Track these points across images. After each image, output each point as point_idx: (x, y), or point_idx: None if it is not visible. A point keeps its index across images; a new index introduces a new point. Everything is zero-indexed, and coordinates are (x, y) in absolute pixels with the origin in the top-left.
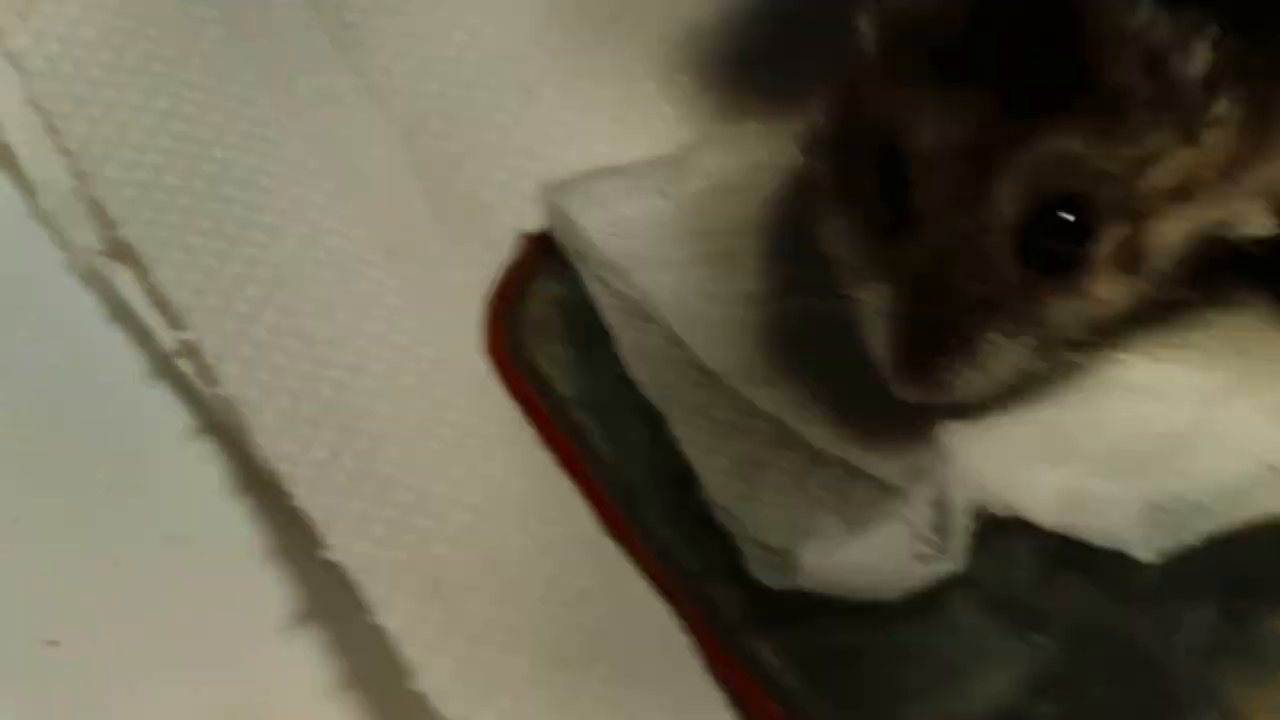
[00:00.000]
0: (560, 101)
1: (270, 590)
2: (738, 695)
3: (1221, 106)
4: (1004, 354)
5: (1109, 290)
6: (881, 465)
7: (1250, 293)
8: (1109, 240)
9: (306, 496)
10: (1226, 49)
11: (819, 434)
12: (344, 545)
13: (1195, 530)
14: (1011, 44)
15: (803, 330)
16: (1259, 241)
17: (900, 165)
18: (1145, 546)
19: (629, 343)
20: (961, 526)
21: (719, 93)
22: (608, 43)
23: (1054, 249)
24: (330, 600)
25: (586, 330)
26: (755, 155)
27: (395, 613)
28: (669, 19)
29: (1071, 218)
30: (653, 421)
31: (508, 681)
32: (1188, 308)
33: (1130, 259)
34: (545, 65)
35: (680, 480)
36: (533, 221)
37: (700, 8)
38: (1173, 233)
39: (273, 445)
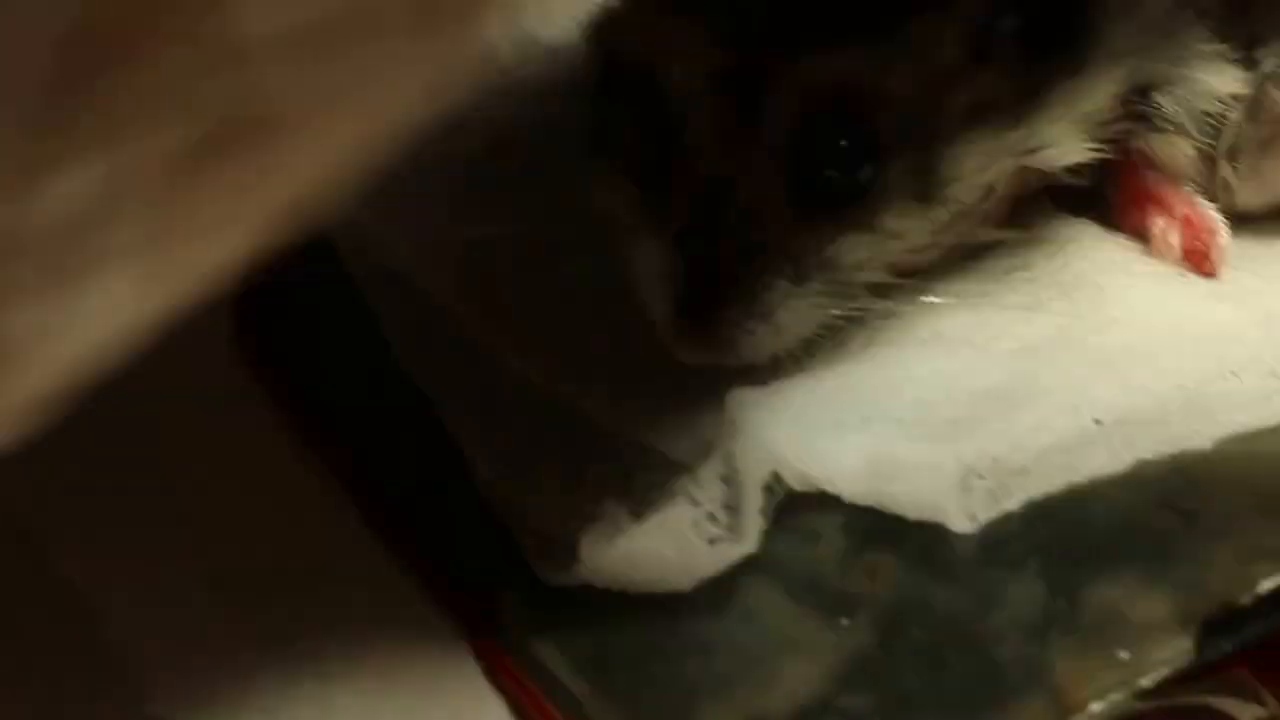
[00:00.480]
0: None
1: None
2: (519, 703)
3: (1009, 20)
4: (793, 303)
5: (901, 222)
6: (666, 441)
7: (1074, 230)
8: (898, 167)
9: None
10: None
11: (599, 410)
12: None
13: (1017, 496)
14: None
15: (574, 297)
16: (1075, 172)
17: (662, 104)
18: (962, 516)
19: (394, 321)
20: (755, 505)
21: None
22: None
23: (836, 180)
24: None
25: (349, 310)
26: (530, 110)
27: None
28: None
29: (849, 144)
30: (419, 406)
31: (266, 688)
32: (1003, 249)
33: (924, 188)
34: None
35: (451, 468)
36: None
37: None
38: (969, 158)
39: None
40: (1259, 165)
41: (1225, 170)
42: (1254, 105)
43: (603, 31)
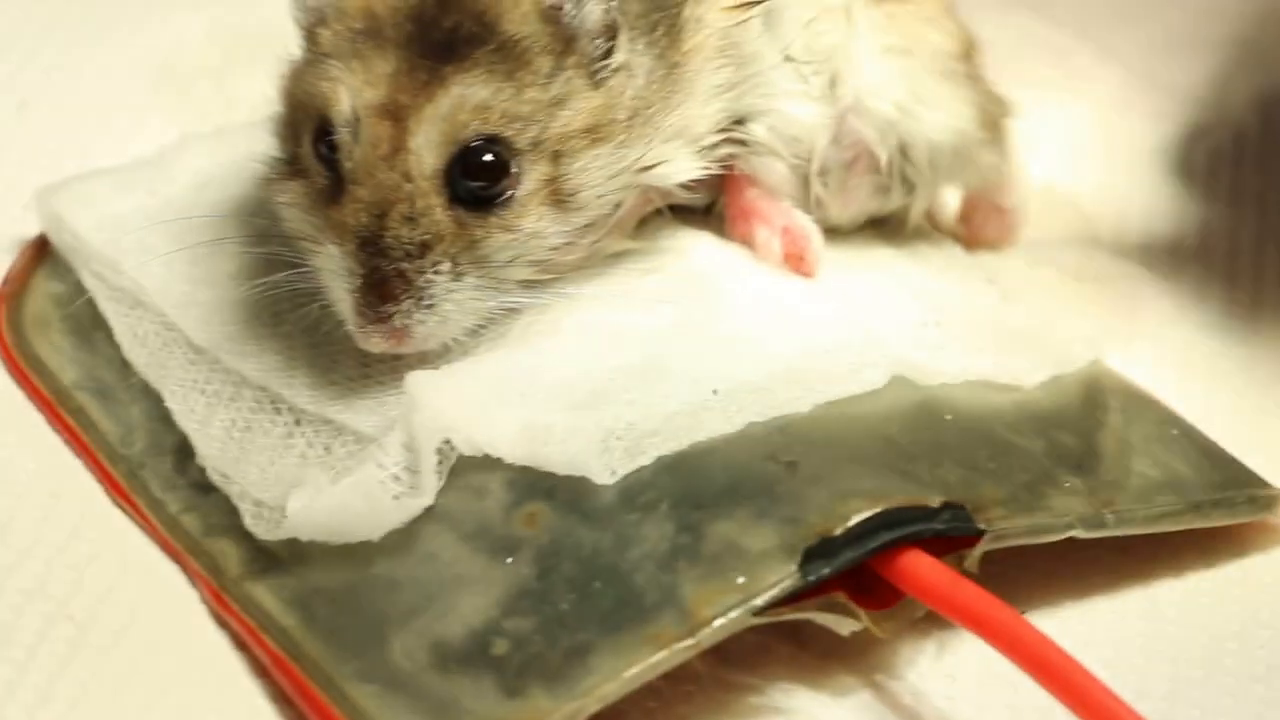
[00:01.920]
0: (54, 115)
1: None
2: (241, 639)
3: (621, 54)
4: (452, 294)
5: (537, 223)
6: (358, 419)
7: (693, 239)
8: (531, 178)
9: None
10: (624, 4)
11: (302, 396)
12: None
13: (649, 454)
14: (418, 10)
15: (279, 303)
16: (690, 189)
17: (331, 134)
18: (604, 471)
19: (124, 329)
20: (431, 466)
21: (204, 101)
22: (98, 57)
23: (478, 189)
24: None
25: (84, 321)
26: (236, 150)
27: None
28: (158, 32)
29: (490, 159)
30: (150, 399)
31: (18, 636)
32: (635, 255)
33: (555, 195)
34: (39, 81)
35: (178, 450)
36: (33, 227)
37: (190, 23)
38: (592, 170)
39: None
40: (845, 183)
41: (817, 187)
42: (837, 133)
43: (287, 82)
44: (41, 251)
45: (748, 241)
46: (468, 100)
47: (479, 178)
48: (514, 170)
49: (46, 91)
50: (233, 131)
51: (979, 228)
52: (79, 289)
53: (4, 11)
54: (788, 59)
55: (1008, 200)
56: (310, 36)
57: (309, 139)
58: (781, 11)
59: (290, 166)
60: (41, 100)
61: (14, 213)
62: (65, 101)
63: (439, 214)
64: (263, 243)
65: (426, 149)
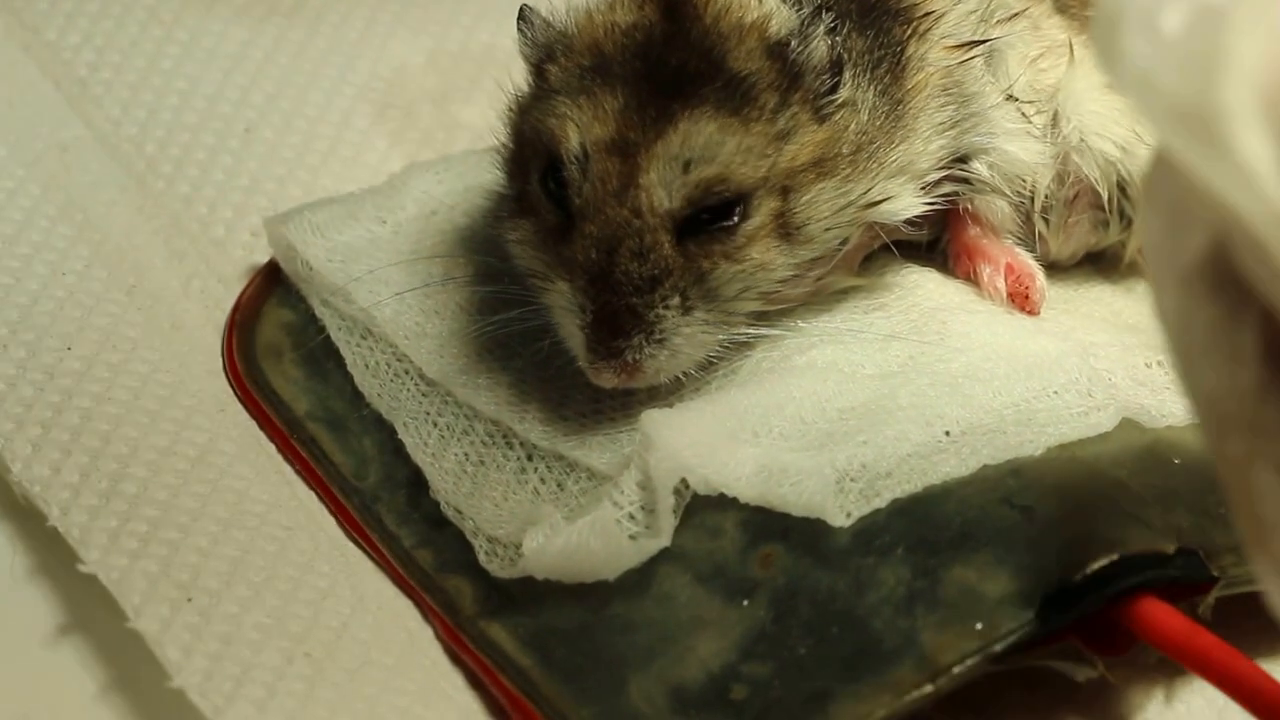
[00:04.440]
0: (279, 140)
1: (34, 606)
2: (477, 677)
3: (846, 90)
4: (682, 328)
5: (766, 255)
6: (591, 456)
7: (919, 276)
8: (759, 212)
9: (61, 517)
10: (848, 41)
11: (535, 432)
12: (100, 559)
13: (884, 496)
14: (645, 47)
15: (510, 337)
16: (914, 225)
17: (560, 170)
18: (839, 513)
19: (355, 359)
20: (668, 506)
21: (428, 128)
22: (321, 82)
23: (707, 223)
24: (91, 611)
25: (316, 350)
26: (463, 178)
27: (151, 618)
28: (379, 58)
29: (719, 194)
30: (382, 430)
31: (258, 675)
32: (861, 291)
33: (783, 229)
34: (264, 107)
35: (412, 483)
36: (262, 254)
37: (410, 50)
38: (819, 204)
39: (26, 472)
40: (1066, 219)
41: (1038, 224)
42: (1059, 170)
43: (513, 117)
44: (272, 279)
45: (971, 279)
46: (697, 137)
47: (708, 212)
48: (742, 205)
49: (270, 117)
50: (458, 159)
51: None
52: (310, 318)
53: (228, 37)
54: (1010, 97)
55: None
56: (538, 72)
57: (537, 175)
58: (1004, 50)
59: (519, 203)
60: (266, 126)
61: (243, 238)
62: (290, 126)
63: (668, 249)
64: (493, 279)
65: (656, 185)
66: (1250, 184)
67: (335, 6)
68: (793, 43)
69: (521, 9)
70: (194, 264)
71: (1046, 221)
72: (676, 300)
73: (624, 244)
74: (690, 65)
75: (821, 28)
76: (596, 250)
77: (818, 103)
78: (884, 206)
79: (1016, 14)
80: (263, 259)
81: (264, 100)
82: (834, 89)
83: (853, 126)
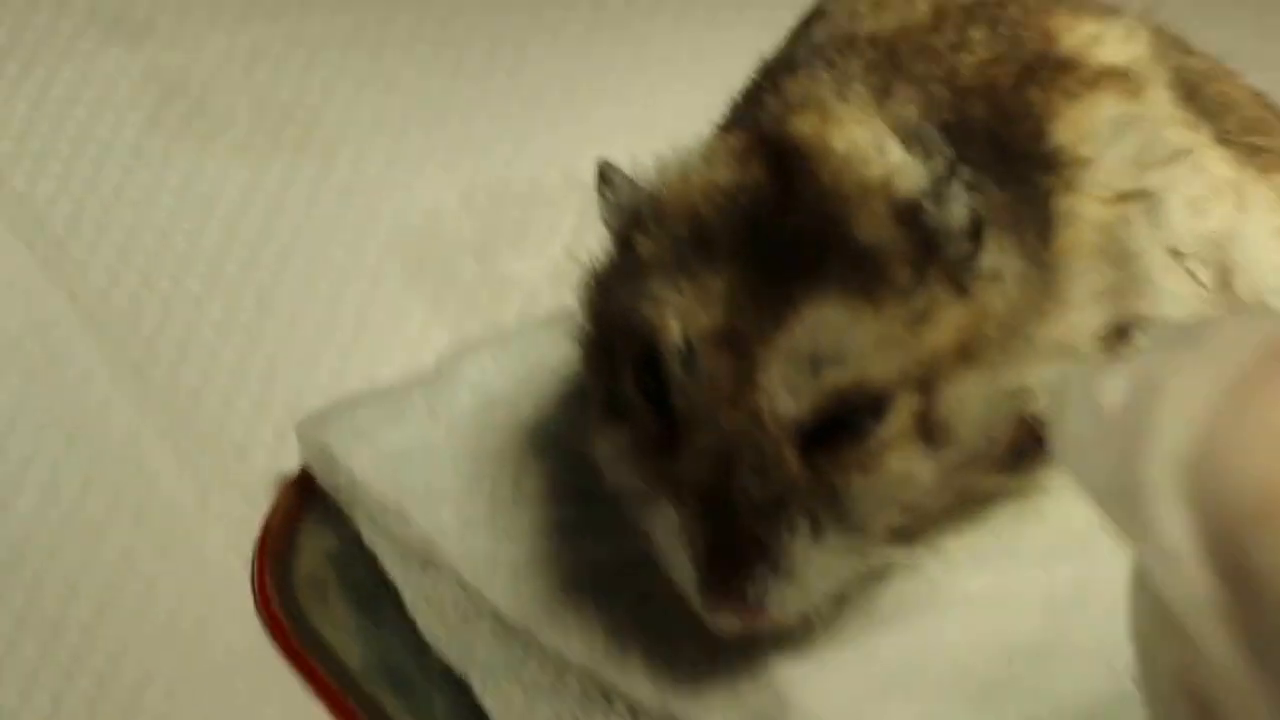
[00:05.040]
0: (299, 309)
1: None
2: None
3: (990, 257)
4: (815, 558)
5: (906, 463)
6: (712, 716)
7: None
8: (899, 412)
9: None
10: (987, 197)
11: (640, 687)
12: None
13: None
14: (753, 214)
15: (603, 567)
16: None
17: (658, 367)
18: None
19: (416, 595)
20: None
21: (471, 288)
22: (342, 233)
23: (842, 430)
24: None
25: (368, 585)
26: (524, 359)
27: None
28: (405, 201)
29: (853, 396)
30: (454, 687)
31: None
32: (1011, 497)
33: (927, 429)
34: (276, 267)
35: None
36: (289, 458)
37: (442, 187)
38: (967, 399)
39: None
40: None
41: None
42: None
43: (593, 295)
44: (306, 495)
45: None
46: (825, 326)
47: (840, 418)
48: (879, 406)
49: (286, 280)
50: (515, 334)
51: None
52: (358, 543)
53: (228, 179)
54: (1174, 253)
55: None
56: (623, 243)
57: (630, 372)
58: (1165, 196)
59: (607, 404)
60: (282, 292)
61: (266, 439)
62: (311, 292)
63: (793, 464)
64: (578, 496)
65: (779, 388)
66: (1170, 565)
67: (348, 137)
68: (925, 204)
69: (601, 167)
70: (210, 475)
71: None
72: (805, 524)
73: (742, 459)
74: (809, 236)
75: (959, 184)
76: (709, 466)
77: (957, 274)
78: (1039, 394)
79: (1178, 152)
80: (291, 465)
81: (276, 259)
82: (975, 256)
83: (998, 300)
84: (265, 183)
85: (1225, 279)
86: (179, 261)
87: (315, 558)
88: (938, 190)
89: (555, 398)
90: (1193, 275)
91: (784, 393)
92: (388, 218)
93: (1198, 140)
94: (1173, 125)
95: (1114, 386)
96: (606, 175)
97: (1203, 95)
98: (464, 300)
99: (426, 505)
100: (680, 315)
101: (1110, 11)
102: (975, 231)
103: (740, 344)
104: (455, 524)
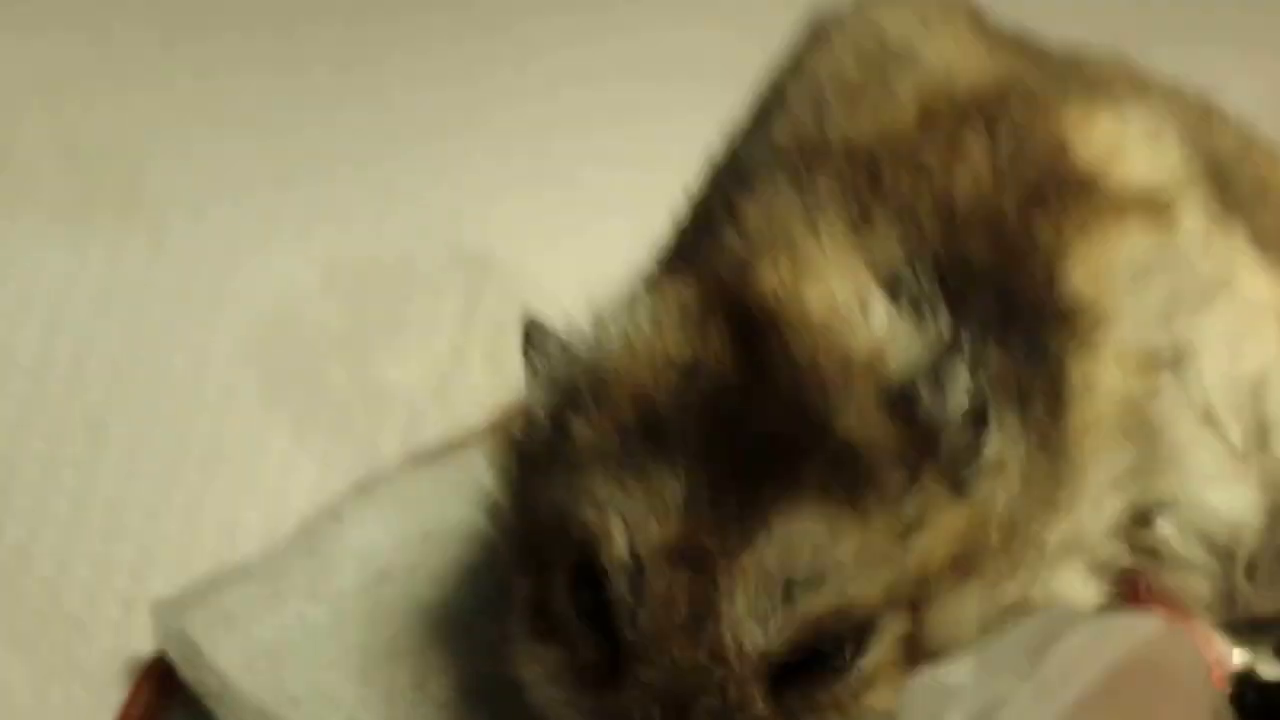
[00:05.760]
0: (140, 439)
1: None
2: None
3: (994, 445)
4: None
5: (890, 700)
6: None
7: None
8: (884, 638)
9: None
10: (989, 365)
11: None
12: None
13: None
14: (714, 399)
15: None
16: None
17: (599, 583)
18: None
19: None
20: None
21: (341, 402)
22: (183, 325)
23: (814, 664)
24: None
25: None
26: (417, 519)
27: None
28: (257, 278)
29: (831, 628)
30: None
31: None
32: None
33: (912, 656)
34: (110, 380)
35: None
36: (140, 636)
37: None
38: (963, 616)
39: None
40: (1277, 572)
41: (1241, 585)
42: (1271, 508)
43: (519, 482)
44: (163, 688)
45: None
46: (800, 544)
47: (816, 652)
48: (861, 633)
49: (122, 396)
50: (405, 480)
51: None
52: None
53: (44, 256)
54: (1206, 418)
55: None
56: (556, 423)
57: (564, 584)
58: (1197, 345)
59: (534, 617)
60: (119, 413)
61: (111, 613)
62: (153, 412)
63: (760, 706)
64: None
65: (745, 618)
66: None
67: (182, 195)
68: (921, 390)
69: (527, 327)
70: (47, 658)
71: (1252, 580)
72: None
73: (698, 699)
74: (781, 429)
75: (961, 372)
76: (658, 706)
77: (956, 470)
78: (1045, 600)
79: (1212, 286)
80: (142, 645)
81: (108, 366)
82: (978, 447)
83: (1003, 497)
84: (90, 257)
85: (1263, 437)
86: None
87: None
88: (935, 372)
89: (458, 571)
90: (1225, 438)
91: (751, 622)
92: (236, 303)
93: (1233, 256)
94: (1207, 248)
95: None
96: (534, 338)
97: (1237, 184)
98: (335, 419)
99: (312, 711)
100: (627, 523)
101: (1133, 91)
102: (979, 418)
103: (699, 562)
104: None
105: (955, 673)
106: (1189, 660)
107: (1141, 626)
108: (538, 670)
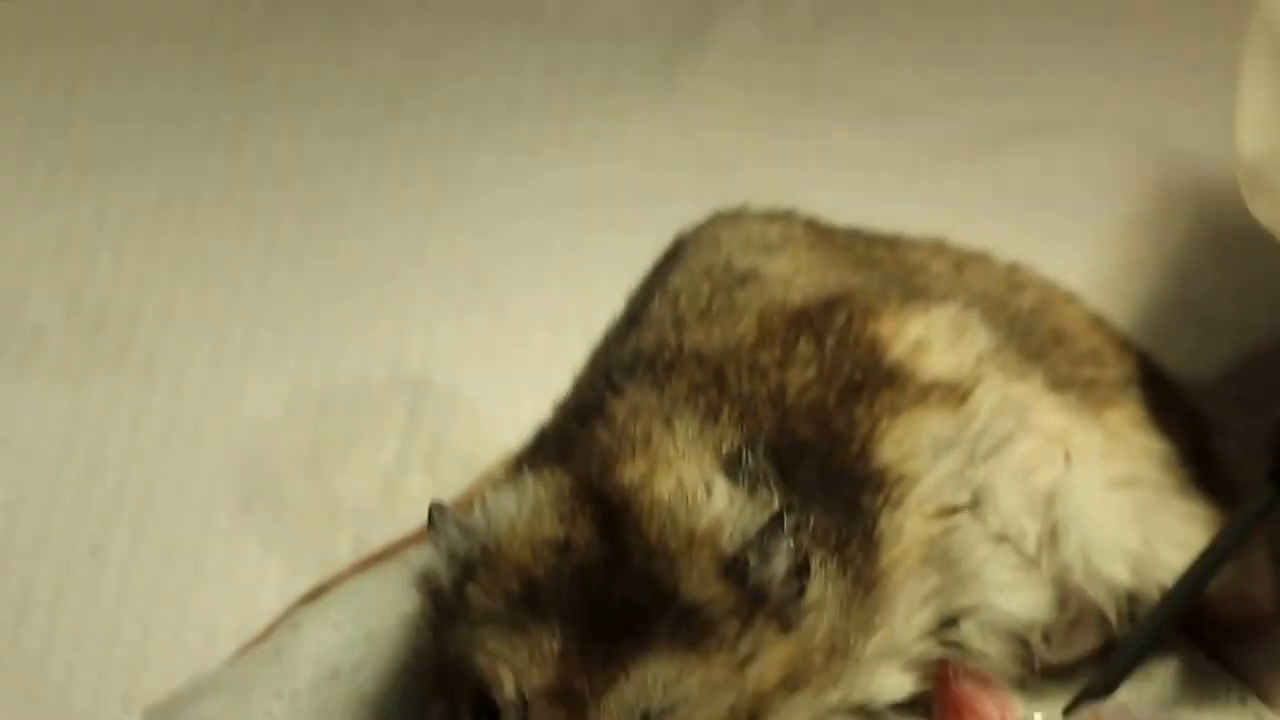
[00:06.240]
0: (134, 559)
1: None
2: None
3: (815, 590)
4: None
5: None
6: None
7: None
8: None
9: None
10: (810, 526)
11: None
12: None
13: None
14: (582, 574)
15: None
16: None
17: (493, 716)
18: None
19: None
20: None
21: (303, 513)
22: (171, 458)
23: None
24: None
25: None
26: (361, 622)
27: None
28: (233, 413)
29: None
30: None
31: None
32: None
33: None
34: (107, 510)
35: None
36: None
37: (265, 392)
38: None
39: None
40: (1068, 638)
41: (1040, 650)
42: (1060, 595)
43: (433, 631)
44: None
45: None
46: (653, 684)
47: None
48: None
49: (117, 525)
50: (353, 591)
51: (1225, 615)
52: None
53: (49, 409)
54: (1000, 540)
55: (1257, 588)
56: (457, 590)
57: (469, 712)
58: (993, 483)
59: None
60: (115, 539)
61: (112, 711)
62: (144, 535)
63: None
64: None
65: None
66: None
67: (169, 344)
68: (752, 560)
69: (431, 510)
70: None
71: (1047, 646)
72: None
73: None
74: (637, 596)
75: (783, 540)
76: None
77: (782, 613)
78: (865, 699)
79: (1006, 436)
80: None
81: (106, 498)
82: (801, 594)
83: (824, 627)
84: (88, 408)
85: (1053, 540)
86: (5, 510)
87: None
88: (763, 546)
89: (397, 668)
90: (1018, 551)
91: None
92: (215, 435)
93: (1030, 394)
94: (1002, 412)
95: None
96: (436, 521)
97: (1035, 336)
98: (297, 529)
99: None
100: (514, 672)
101: (944, 297)
102: (802, 571)
103: (573, 701)
104: None
105: None
106: None
107: None
108: None
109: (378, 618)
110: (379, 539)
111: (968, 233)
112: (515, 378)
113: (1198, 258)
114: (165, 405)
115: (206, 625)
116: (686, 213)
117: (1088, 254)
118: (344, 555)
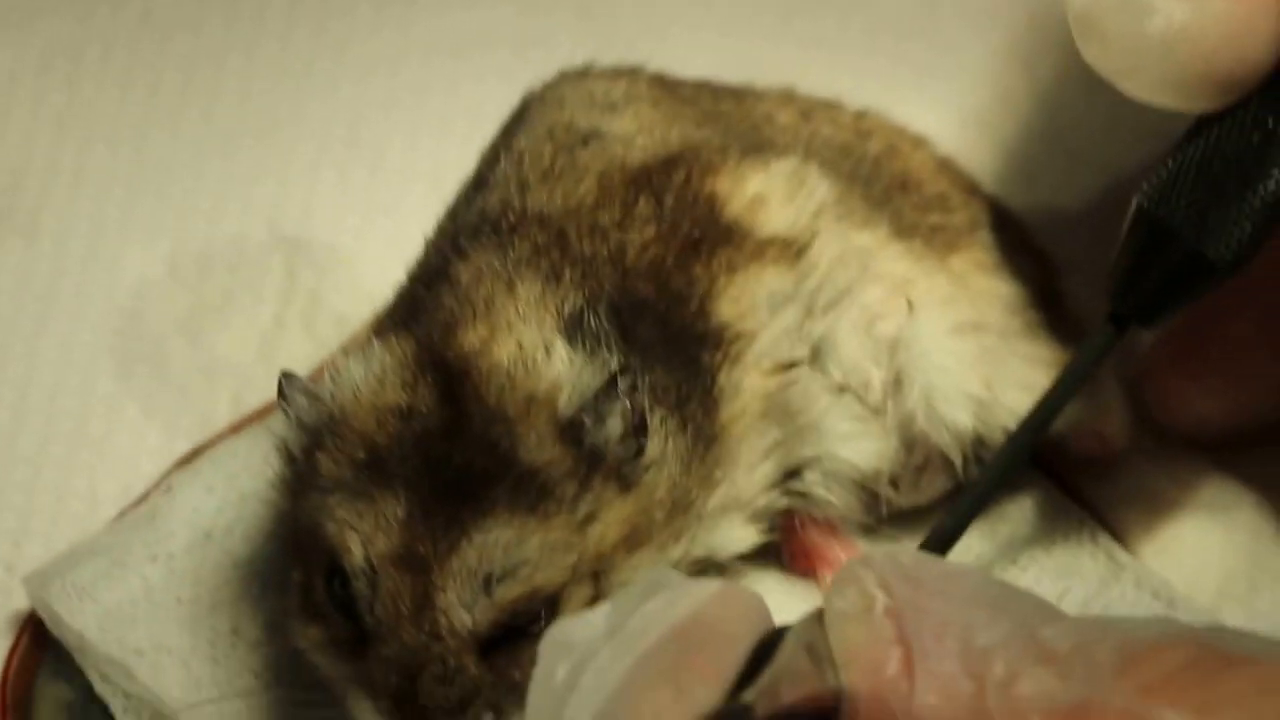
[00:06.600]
0: (17, 425)
1: None
2: None
3: (653, 448)
4: None
5: None
6: None
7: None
8: (572, 603)
9: None
10: (649, 385)
11: None
12: None
13: None
14: (423, 441)
15: (315, 709)
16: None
17: (344, 581)
18: None
19: None
20: None
21: (183, 376)
22: (54, 324)
23: (514, 634)
24: None
25: None
26: (236, 484)
27: None
28: (113, 277)
29: (523, 604)
30: None
31: None
32: None
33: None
34: None
35: None
36: (21, 596)
37: (147, 255)
38: (637, 578)
39: None
40: (916, 483)
41: (885, 492)
42: (905, 440)
43: (286, 499)
44: (40, 642)
45: (811, 579)
46: (494, 548)
47: (514, 625)
48: (552, 605)
49: (2, 391)
50: (225, 454)
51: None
52: (91, 694)
53: None
54: (842, 390)
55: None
56: (307, 457)
57: (321, 578)
58: (833, 333)
59: (304, 599)
60: (3, 410)
61: None
62: (25, 401)
63: (474, 669)
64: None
65: (455, 606)
66: None
67: (51, 206)
68: (587, 423)
69: (280, 380)
70: None
71: (895, 489)
72: (490, 716)
73: (426, 669)
74: (476, 464)
75: (618, 402)
76: (397, 673)
77: (621, 473)
78: (714, 553)
79: (847, 286)
80: (23, 603)
81: None
82: (639, 451)
83: (664, 484)
84: None
85: (896, 385)
86: None
87: (53, 710)
88: (598, 405)
89: (266, 529)
90: (861, 401)
91: (460, 610)
92: (97, 300)
93: (873, 242)
94: (843, 265)
95: (561, 667)
96: (285, 390)
97: (880, 184)
98: (176, 393)
99: (153, 662)
100: (361, 538)
101: (785, 150)
102: (639, 430)
103: (418, 566)
104: (181, 679)
105: (587, 624)
106: (736, 615)
107: (702, 590)
108: (306, 643)
109: (250, 479)
110: (257, 400)
111: (841, 72)
112: (394, 233)
113: (1067, 90)
114: (47, 269)
115: (88, 490)
116: (565, 59)
117: (961, 89)
118: (223, 417)
